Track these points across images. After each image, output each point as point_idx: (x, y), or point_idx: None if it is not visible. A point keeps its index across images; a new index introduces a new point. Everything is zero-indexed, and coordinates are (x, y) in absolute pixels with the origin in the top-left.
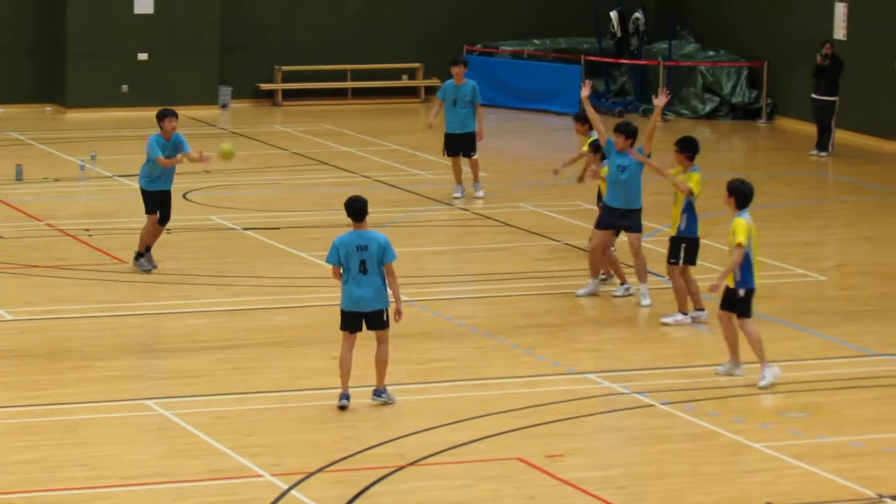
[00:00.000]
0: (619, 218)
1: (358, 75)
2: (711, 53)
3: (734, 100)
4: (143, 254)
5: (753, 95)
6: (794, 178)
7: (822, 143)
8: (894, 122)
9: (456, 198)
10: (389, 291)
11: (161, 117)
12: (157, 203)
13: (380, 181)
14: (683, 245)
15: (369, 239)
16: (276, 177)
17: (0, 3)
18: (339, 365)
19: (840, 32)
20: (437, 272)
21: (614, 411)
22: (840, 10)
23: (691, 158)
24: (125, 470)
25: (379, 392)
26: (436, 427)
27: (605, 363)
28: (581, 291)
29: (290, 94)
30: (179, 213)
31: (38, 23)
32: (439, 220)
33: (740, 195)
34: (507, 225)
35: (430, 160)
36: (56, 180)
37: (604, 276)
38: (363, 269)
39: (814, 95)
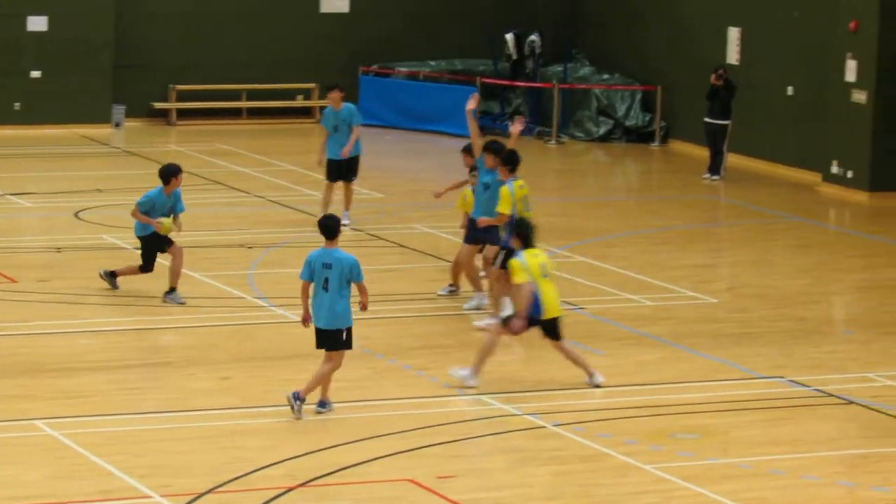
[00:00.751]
0: (483, 231)
1: (253, 95)
2: (606, 76)
3: (628, 123)
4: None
5: (647, 119)
6: (686, 201)
7: (715, 166)
8: (786, 146)
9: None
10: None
11: (174, 174)
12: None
13: (274, 201)
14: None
15: (335, 258)
16: None
17: None
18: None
19: (733, 57)
20: None
21: (506, 433)
22: (733, 35)
23: (512, 171)
24: (14, 490)
25: (297, 397)
26: (328, 448)
27: (496, 385)
28: (466, 305)
29: (184, 114)
30: (71, 231)
31: None
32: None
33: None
34: (401, 246)
35: (324, 181)
36: None
37: (452, 287)
38: (325, 286)
39: (706, 119)
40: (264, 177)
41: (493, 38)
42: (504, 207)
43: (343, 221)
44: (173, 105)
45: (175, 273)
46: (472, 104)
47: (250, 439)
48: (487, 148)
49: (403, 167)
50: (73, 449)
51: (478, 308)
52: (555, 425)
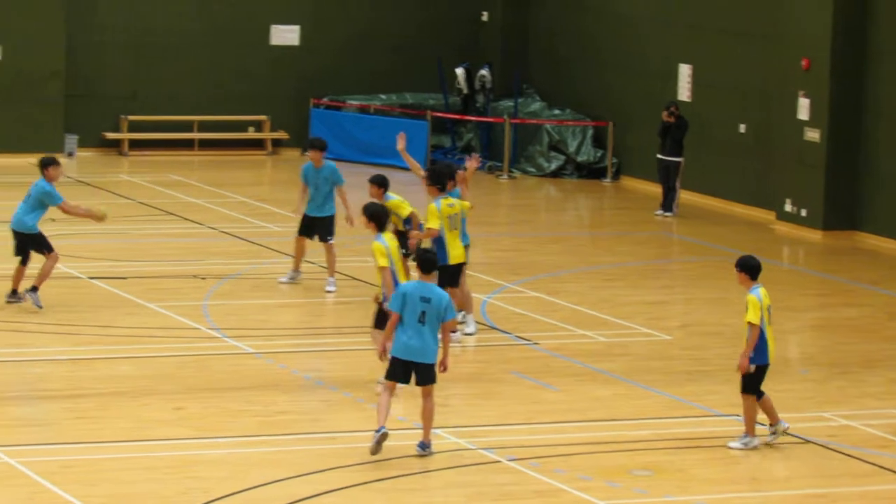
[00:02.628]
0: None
1: (204, 126)
2: (557, 112)
3: (580, 158)
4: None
5: (599, 154)
6: (639, 238)
7: (667, 203)
8: (738, 183)
9: (281, 282)
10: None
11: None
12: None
13: (226, 232)
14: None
15: (434, 293)
16: (122, 226)
17: None
18: (379, 405)
19: (685, 94)
20: (284, 324)
21: (461, 466)
22: (685, 72)
23: (441, 189)
24: None
25: (423, 445)
26: (283, 479)
27: (451, 419)
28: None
29: (136, 144)
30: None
31: None
32: (285, 273)
33: (749, 269)
34: (354, 279)
35: (277, 213)
36: None
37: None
38: (422, 320)
39: (659, 155)
40: (217, 208)
41: (442, 71)
42: (432, 223)
43: (328, 288)
44: (125, 135)
45: (44, 275)
46: (401, 143)
47: (206, 469)
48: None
49: (354, 200)
50: (29, 476)
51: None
52: (510, 460)
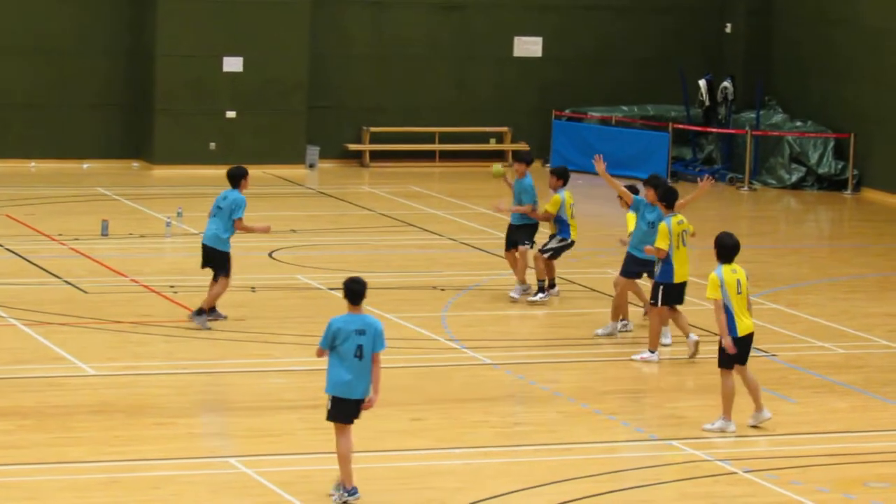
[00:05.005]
0: (641, 265)
1: (445, 138)
2: (799, 124)
3: (821, 170)
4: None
5: (840, 166)
6: (879, 250)
7: None
8: None
9: (512, 297)
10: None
11: (243, 175)
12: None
13: (466, 244)
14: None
15: (367, 324)
16: (363, 237)
17: (90, 59)
18: (342, 456)
19: None
20: (522, 336)
21: (696, 478)
22: None
23: (668, 207)
24: None
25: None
26: (517, 490)
27: (687, 430)
28: (600, 331)
29: (377, 156)
30: (265, 271)
31: (128, 79)
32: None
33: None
34: (593, 290)
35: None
36: (142, 236)
37: (623, 322)
38: (359, 354)
39: None
40: (456, 219)
41: (685, 83)
42: (662, 243)
43: (511, 294)
44: (367, 147)
45: (213, 297)
46: (600, 165)
47: (441, 480)
48: (648, 182)
49: (595, 212)
50: (266, 486)
51: (611, 334)
52: (746, 471)
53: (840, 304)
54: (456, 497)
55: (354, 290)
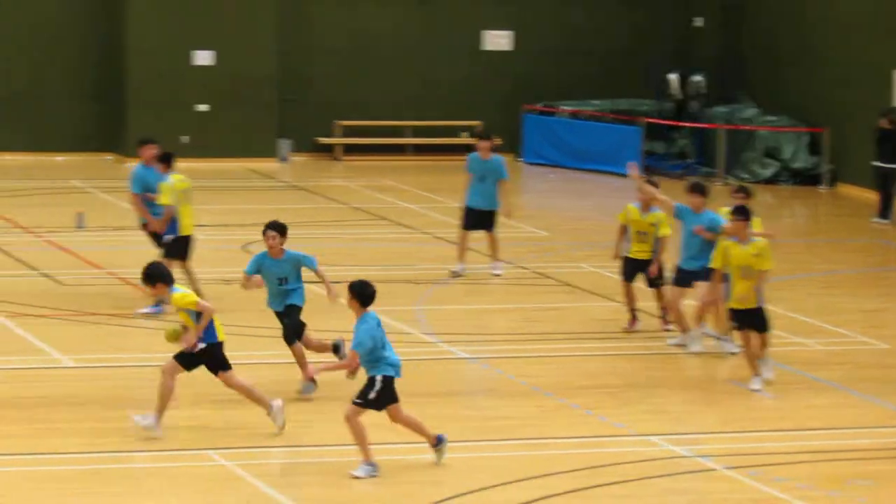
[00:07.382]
0: (692, 275)
1: (417, 131)
2: (772, 118)
3: (795, 165)
4: None
5: (814, 161)
6: (855, 245)
7: (884, 210)
8: None
9: (455, 272)
10: None
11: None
12: None
13: (440, 237)
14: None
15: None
16: (336, 231)
17: (61, 51)
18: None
19: None
20: (498, 329)
21: (677, 474)
22: None
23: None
24: None
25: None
26: (497, 485)
27: (667, 426)
28: (673, 341)
29: (349, 149)
30: (240, 264)
31: (100, 72)
32: (499, 278)
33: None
34: (568, 285)
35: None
36: (117, 229)
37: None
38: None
39: (876, 163)
40: (430, 213)
41: (656, 77)
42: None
43: (495, 272)
44: (339, 140)
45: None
46: (634, 171)
47: (419, 474)
48: (693, 189)
49: (567, 206)
50: (244, 478)
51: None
52: (726, 468)
53: (817, 299)
54: (434, 491)
55: (371, 294)
